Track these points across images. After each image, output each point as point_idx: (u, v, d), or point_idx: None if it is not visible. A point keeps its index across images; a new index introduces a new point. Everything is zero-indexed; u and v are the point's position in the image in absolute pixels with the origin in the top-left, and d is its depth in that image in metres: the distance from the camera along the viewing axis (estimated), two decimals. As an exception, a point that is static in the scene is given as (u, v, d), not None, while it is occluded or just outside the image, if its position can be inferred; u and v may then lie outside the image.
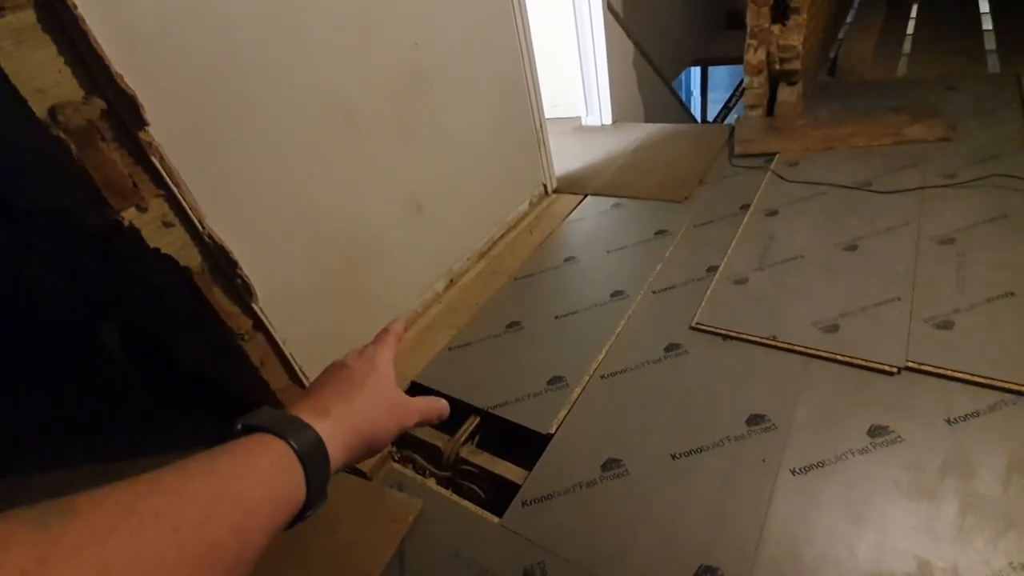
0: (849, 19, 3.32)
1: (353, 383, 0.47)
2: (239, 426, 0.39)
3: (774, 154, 1.97)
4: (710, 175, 1.98)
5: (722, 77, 6.79)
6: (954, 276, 1.30)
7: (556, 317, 1.47)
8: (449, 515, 1.07)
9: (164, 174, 0.92)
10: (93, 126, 0.83)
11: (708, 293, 1.42)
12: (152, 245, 0.94)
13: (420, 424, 0.52)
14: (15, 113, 0.79)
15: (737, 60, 2.27)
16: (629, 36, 2.73)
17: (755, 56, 2.12)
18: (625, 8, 2.67)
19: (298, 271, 1.21)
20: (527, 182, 1.99)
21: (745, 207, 1.73)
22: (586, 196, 2.04)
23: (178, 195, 0.95)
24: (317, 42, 1.15)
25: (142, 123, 0.87)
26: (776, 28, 2.06)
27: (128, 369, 1.62)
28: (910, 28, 2.98)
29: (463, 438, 1.20)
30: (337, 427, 0.42)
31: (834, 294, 1.33)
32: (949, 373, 1.09)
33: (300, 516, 0.38)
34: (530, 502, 1.05)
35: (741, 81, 3.80)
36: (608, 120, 2.63)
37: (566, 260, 1.71)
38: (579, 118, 2.69)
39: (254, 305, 1.10)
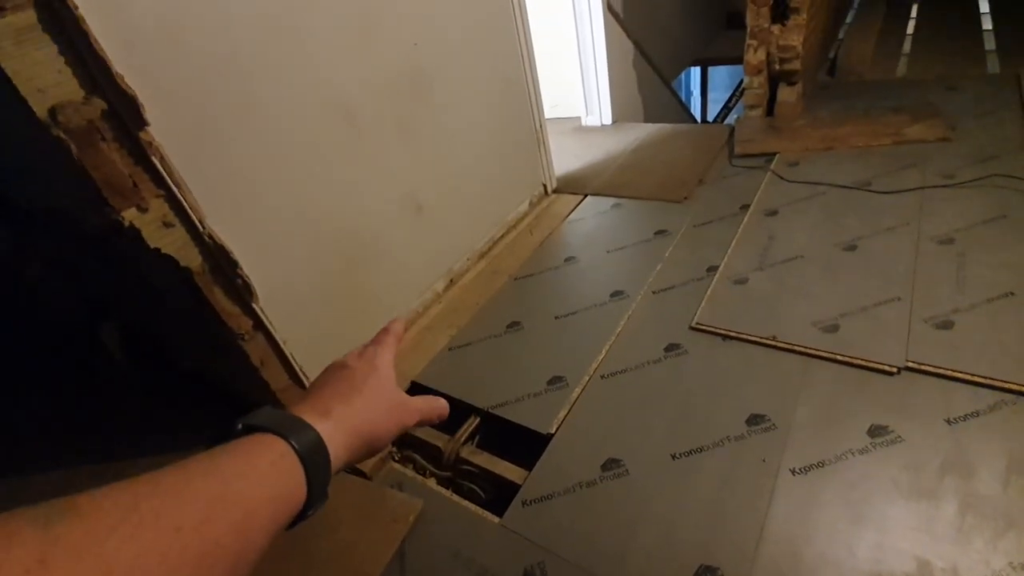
0: (849, 19, 3.32)
1: (354, 384, 0.47)
2: (240, 426, 0.39)
3: (774, 154, 1.97)
4: (710, 175, 1.98)
5: (722, 77, 6.79)
6: (954, 276, 1.30)
7: (556, 317, 1.47)
8: (449, 515, 1.07)
9: (164, 174, 0.92)
10: (93, 126, 0.83)
11: (708, 293, 1.42)
12: (152, 245, 0.94)
13: (420, 424, 0.52)
14: (16, 113, 0.79)
15: (737, 60, 2.27)
16: (629, 36, 2.73)
17: (755, 56, 2.12)
18: (625, 8, 2.67)
19: (298, 271, 1.21)
20: (527, 182, 2.00)
21: (745, 207, 1.74)
22: (586, 196, 2.04)
23: (178, 195, 0.95)
24: (317, 42, 1.15)
25: (142, 123, 0.87)
26: (776, 28, 2.06)
27: (128, 369, 1.62)
28: (910, 28, 2.98)
29: (463, 438, 1.20)
30: (338, 427, 0.42)
31: (834, 294, 1.33)
32: (949, 373, 1.09)
33: (301, 516, 0.38)
34: (530, 502, 1.05)
35: (741, 81, 3.80)
36: (608, 120, 2.63)
37: (566, 260, 1.71)
38: (579, 118, 2.69)
39: (254, 305, 1.10)
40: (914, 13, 3.13)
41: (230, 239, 1.03)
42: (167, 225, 0.95)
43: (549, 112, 2.04)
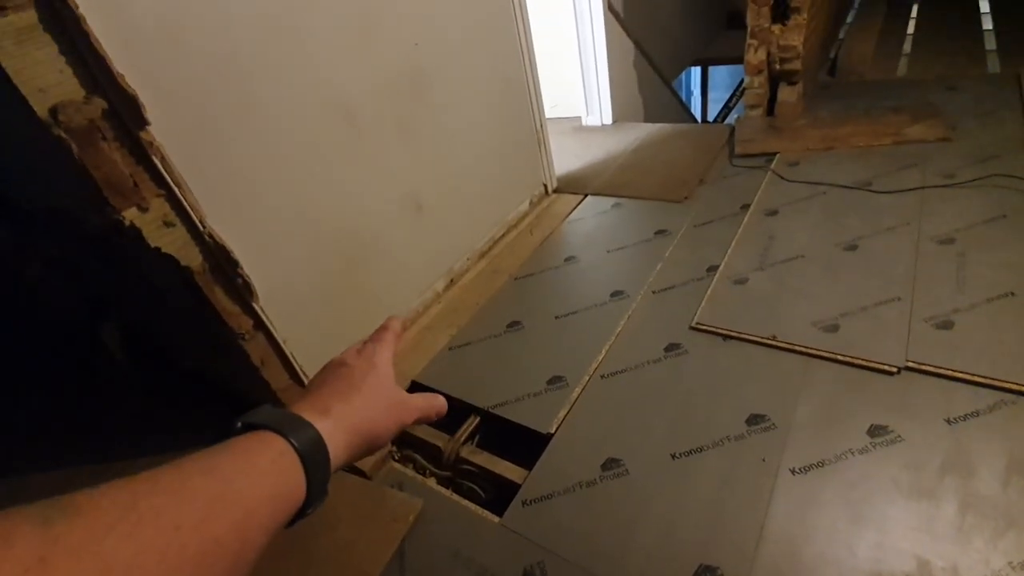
0: (849, 19, 3.32)
1: (353, 382, 0.47)
2: (239, 424, 0.39)
3: (774, 154, 1.97)
4: (710, 175, 1.98)
5: (722, 77, 6.79)
6: (954, 276, 1.30)
7: (556, 317, 1.47)
8: (449, 515, 1.07)
9: (165, 174, 0.92)
10: (94, 126, 0.83)
11: (708, 293, 1.42)
12: (153, 245, 0.94)
13: (419, 422, 0.52)
14: (16, 113, 0.79)
15: (737, 60, 2.27)
16: (629, 36, 2.73)
17: (755, 56, 2.12)
18: (625, 8, 2.67)
19: (298, 271, 1.21)
20: (527, 182, 2.00)
21: (745, 207, 1.73)
22: (586, 196, 2.04)
23: (179, 195, 0.95)
24: (317, 42, 1.15)
25: (143, 123, 0.87)
26: (776, 28, 2.06)
27: (128, 369, 1.62)
28: (910, 28, 2.98)
29: (463, 438, 1.20)
30: (337, 425, 0.42)
31: (834, 294, 1.33)
32: (949, 373, 1.09)
33: (300, 514, 0.38)
34: (530, 502, 1.05)
35: (741, 81, 3.81)
36: (608, 120, 2.63)
37: (566, 260, 1.71)
38: (579, 118, 2.69)
39: (255, 305, 1.10)
40: (914, 13, 3.13)
41: (230, 239, 1.03)
42: (167, 225, 0.95)
43: (549, 112, 2.04)
